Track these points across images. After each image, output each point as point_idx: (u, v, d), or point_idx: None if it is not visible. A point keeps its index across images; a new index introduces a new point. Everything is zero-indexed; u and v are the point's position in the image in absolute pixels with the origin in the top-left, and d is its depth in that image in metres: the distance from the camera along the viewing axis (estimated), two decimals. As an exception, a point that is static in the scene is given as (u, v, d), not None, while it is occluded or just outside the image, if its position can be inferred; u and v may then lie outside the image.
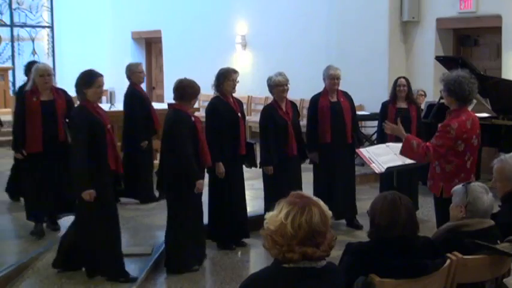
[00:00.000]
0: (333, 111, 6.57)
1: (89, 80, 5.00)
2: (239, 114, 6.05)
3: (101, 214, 5.03)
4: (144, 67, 14.87)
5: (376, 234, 3.13)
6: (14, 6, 14.17)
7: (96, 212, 5.00)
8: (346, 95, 6.74)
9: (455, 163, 4.92)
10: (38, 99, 6.09)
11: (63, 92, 6.35)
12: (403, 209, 3.08)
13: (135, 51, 15.08)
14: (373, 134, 9.05)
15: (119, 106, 8.85)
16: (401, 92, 6.93)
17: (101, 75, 5.06)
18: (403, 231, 3.05)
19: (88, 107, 5.01)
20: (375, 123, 8.22)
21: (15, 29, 14.24)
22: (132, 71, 7.68)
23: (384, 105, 7.11)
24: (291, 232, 2.43)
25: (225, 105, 6.00)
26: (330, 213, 2.54)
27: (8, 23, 14.16)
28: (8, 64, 14.11)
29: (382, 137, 6.88)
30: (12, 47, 14.15)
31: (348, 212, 6.76)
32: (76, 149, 4.97)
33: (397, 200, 3.10)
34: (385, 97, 7.43)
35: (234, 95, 6.15)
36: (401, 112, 6.87)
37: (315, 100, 6.71)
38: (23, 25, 14.35)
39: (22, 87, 6.67)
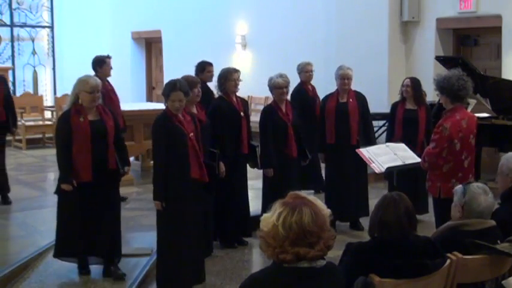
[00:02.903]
0: (337, 112, 6.56)
1: (167, 92, 4.83)
2: (242, 114, 6.06)
3: (177, 225, 4.86)
4: (144, 67, 15.06)
5: (370, 231, 3.17)
6: (14, 6, 14.17)
7: (173, 222, 4.85)
8: (358, 95, 6.69)
9: (453, 163, 4.94)
10: (85, 119, 5.08)
11: (110, 111, 5.36)
12: (390, 211, 3.09)
13: (135, 51, 15.08)
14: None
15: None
16: (406, 93, 6.88)
17: (177, 89, 4.79)
18: (388, 232, 3.07)
19: (168, 114, 4.83)
20: (375, 123, 8.20)
21: (15, 29, 14.24)
22: (301, 69, 7.88)
23: (394, 106, 7.06)
24: (282, 233, 2.44)
25: (228, 105, 6.02)
26: (327, 212, 2.53)
27: (8, 23, 14.16)
28: (8, 64, 14.10)
29: (391, 137, 6.86)
30: (12, 47, 14.15)
31: (357, 214, 6.72)
32: (155, 157, 4.83)
33: (389, 201, 3.13)
34: (385, 97, 7.43)
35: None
36: (409, 113, 6.83)
37: (324, 100, 6.75)
38: (23, 25, 14.34)
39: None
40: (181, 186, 4.81)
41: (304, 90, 7.90)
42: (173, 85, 4.84)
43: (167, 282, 4.95)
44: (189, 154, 4.84)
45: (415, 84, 6.90)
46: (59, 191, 5.17)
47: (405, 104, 6.91)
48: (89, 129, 5.05)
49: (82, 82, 5.10)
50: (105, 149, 5.11)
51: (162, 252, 4.96)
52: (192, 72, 6.91)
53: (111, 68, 7.78)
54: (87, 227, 5.15)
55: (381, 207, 3.16)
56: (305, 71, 7.92)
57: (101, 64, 7.66)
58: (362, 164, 6.48)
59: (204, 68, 7.25)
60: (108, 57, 7.87)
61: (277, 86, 6.19)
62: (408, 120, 6.81)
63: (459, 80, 4.89)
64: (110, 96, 7.51)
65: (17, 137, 11.75)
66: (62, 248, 5.28)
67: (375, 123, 8.20)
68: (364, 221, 6.59)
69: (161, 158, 4.79)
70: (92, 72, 7.27)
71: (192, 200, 4.88)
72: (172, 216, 4.82)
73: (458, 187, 3.72)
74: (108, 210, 5.22)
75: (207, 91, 7.12)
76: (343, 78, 6.56)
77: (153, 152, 4.96)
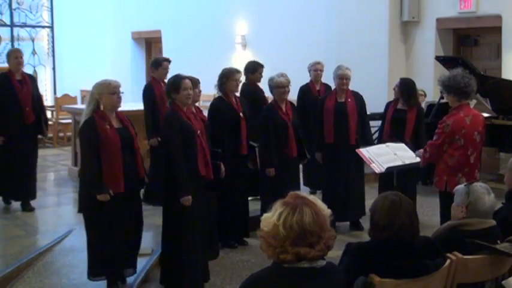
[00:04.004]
0: (336, 111, 6.56)
1: (175, 84, 4.83)
2: (241, 114, 6.07)
3: (186, 223, 4.84)
4: (144, 67, 15.05)
5: (373, 232, 3.14)
6: (14, 6, 14.14)
7: (182, 220, 4.83)
8: (356, 95, 6.70)
9: (457, 157, 5.14)
10: (111, 126, 4.76)
11: (127, 118, 5.08)
12: (402, 212, 3.06)
13: (135, 51, 15.07)
14: (374, 133, 9.03)
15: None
16: (395, 93, 6.87)
17: (185, 78, 4.86)
18: (399, 233, 3.04)
19: (177, 111, 4.84)
20: (375, 123, 8.21)
21: (15, 29, 14.22)
22: (310, 68, 8.02)
23: (386, 105, 7.06)
24: (283, 233, 2.44)
25: (227, 105, 6.03)
26: (327, 212, 2.53)
27: (8, 23, 14.15)
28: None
29: (381, 135, 6.86)
30: (12, 46, 14.13)
31: (354, 214, 6.74)
32: (172, 155, 4.74)
33: (397, 202, 3.09)
34: (385, 97, 7.44)
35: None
36: (398, 113, 6.74)
37: (322, 100, 6.75)
38: (23, 25, 14.33)
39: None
40: (191, 184, 4.80)
41: (310, 90, 7.89)
42: (178, 75, 4.93)
43: (175, 282, 4.94)
44: (197, 151, 4.84)
45: (403, 85, 6.75)
46: (85, 207, 4.82)
47: (397, 104, 6.88)
48: (119, 137, 4.74)
49: (103, 85, 4.80)
50: (133, 157, 4.87)
51: (169, 252, 4.96)
52: (191, 72, 6.90)
53: (167, 71, 7.58)
54: (120, 239, 4.87)
55: (382, 207, 3.11)
56: (314, 69, 7.93)
57: (156, 66, 7.61)
58: (360, 164, 6.50)
59: (256, 69, 7.33)
60: (167, 60, 7.73)
61: (279, 85, 6.18)
62: (396, 119, 6.73)
63: (464, 78, 5.08)
64: (162, 97, 7.46)
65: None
66: (99, 269, 4.93)
67: (374, 123, 8.21)
68: (364, 221, 6.60)
69: (179, 154, 4.74)
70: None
71: (199, 198, 4.88)
72: (181, 214, 4.80)
73: (460, 187, 3.72)
74: (137, 221, 5.03)
75: (255, 91, 7.12)
76: (342, 78, 6.56)
77: (168, 150, 4.82)
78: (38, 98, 7.54)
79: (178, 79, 4.88)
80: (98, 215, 4.75)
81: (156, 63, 7.64)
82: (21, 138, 7.32)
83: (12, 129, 7.26)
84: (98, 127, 4.69)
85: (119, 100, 4.81)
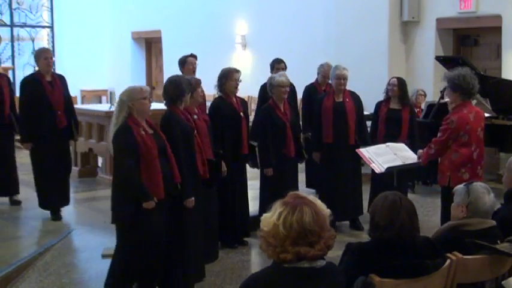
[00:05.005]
0: (335, 111, 6.56)
1: (186, 90, 4.93)
2: (242, 114, 6.07)
3: (186, 221, 4.84)
4: (144, 67, 15.07)
5: (374, 232, 3.14)
6: (14, 6, 14.17)
7: (181, 219, 4.80)
8: (353, 95, 6.69)
9: (460, 153, 5.25)
10: (146, 132, 4.54)
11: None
12: (403, 211, 3.07)
13: (135, 51, 15.09)
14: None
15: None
16: (392, 92, 6.82)
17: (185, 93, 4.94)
18: (399, 233, 3.05)
19: (177, 112, 4.85)
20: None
21: (15, 29, 14.24)
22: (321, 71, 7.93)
23: (377, 105, 7.02)
24: (283, 233, 2.45)
25: (228, 105, 6.02)
26: (327, 212, 2.53)
27: (8, 23, 14.16)
28: (8, 64, 14.10)
29: (374, 136, 6.85)
30: (12, 47, 14.15)
31: (352, 213, 6.74)
32: (175, 156, 4.68)
33: (397, 201, 3.10)
34: (385, 97, 7.41)
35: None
36: (392, 113, 6.76)
37: (320, 100, 6.74)
38: (23, 25, 14.34)
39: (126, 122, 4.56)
40: (192, 183, 4.81)
41: (315, 90, 7.83)
42: (189, 81, 5.05)
43: (174, 282, 4.94)
44: (196, 151, 4.88)
45: (401, 84, 6.79)
46: (125, 216, 4.53)
47: (389, 103, 6.86)
48: (156, 145, 4.52)
49: (134, 91, 4.59)
50: (168, 162, 4.63)
51: (170, 251, 4.96)
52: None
53: (194, 67, 7.27)
54: (152, 251, 4.62)
55: (382, 206, 3.12)
56: (323, 72, 7.84)
57: (182, 64, 7.31)
58: (358, 164, 6.51)
59: (273, 66, 7.30)
60: (191, 56, 7.38)
61: (281, 85, 6.18)
62: (391, 119, 6.73)
63: (472, 79, 5.22)
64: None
65: (17, 137, 11.69)
66: (124, 280, 4.70)
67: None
68: (364, 221, 6.59)
69: (180, 156, 4.73)
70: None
71: (199, 198, 4.89)
72: (181, 213, 4.79)
73: (460, 187, 3.73)
74: (172, 229, 4.77)
75: None
76: (340, 78, 6.54)
77: (172, 151, 4.74)
78: (69, 100, 7.08)
79: (191, 83, 5.01)
80: (134, 224, 4.53)
81: (182, 61, 7.34)
82: (55, 143, 6.87)
83: (45, 135, 6.81)
84: (135, 133, 4.49)
85: (150, 105, 4.67)
